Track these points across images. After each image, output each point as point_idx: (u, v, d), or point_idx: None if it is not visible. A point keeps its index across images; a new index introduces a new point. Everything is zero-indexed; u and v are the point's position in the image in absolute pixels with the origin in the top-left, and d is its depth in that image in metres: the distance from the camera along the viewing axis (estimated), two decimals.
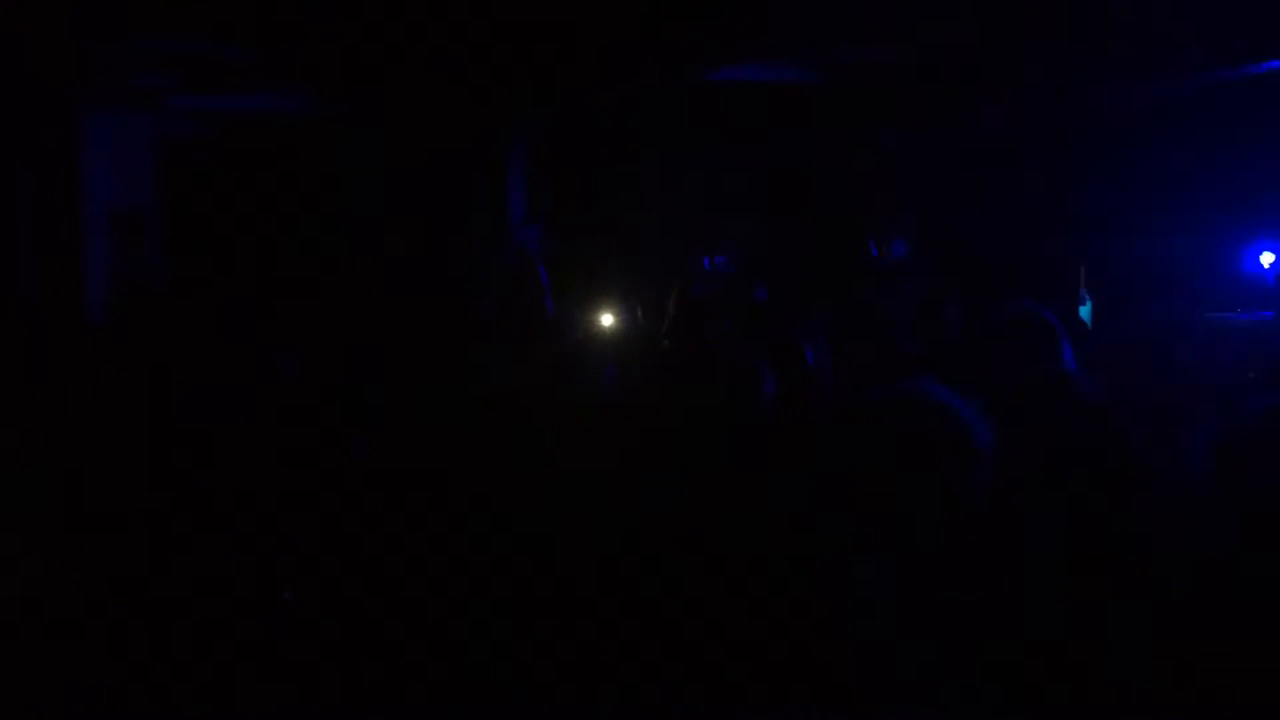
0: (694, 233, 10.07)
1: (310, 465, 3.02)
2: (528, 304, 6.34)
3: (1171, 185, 6.73)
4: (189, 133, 8.93)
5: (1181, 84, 6.68)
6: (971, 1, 5.89)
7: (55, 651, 2.65)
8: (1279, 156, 6.13)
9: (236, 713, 2.53)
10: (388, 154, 9.76)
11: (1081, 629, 1.71)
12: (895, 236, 8.23)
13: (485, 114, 8.93)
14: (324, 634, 2.56)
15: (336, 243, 9.49)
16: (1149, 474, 2.62)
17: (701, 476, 2.47)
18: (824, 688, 1.65)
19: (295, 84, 8.18)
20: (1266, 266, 5.17)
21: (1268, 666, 1.82)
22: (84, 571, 2.88)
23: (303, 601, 2.67)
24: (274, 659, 2.55)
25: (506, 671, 2.36)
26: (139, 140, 8.55)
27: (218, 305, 6.56)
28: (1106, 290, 6.65)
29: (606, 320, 5.90)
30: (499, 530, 2.77)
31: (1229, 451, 2.08)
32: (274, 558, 2.72)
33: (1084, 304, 6.91)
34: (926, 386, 1.74)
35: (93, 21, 6.08)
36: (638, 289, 6.88)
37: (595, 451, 2.87)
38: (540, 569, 2.52)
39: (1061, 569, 2.20)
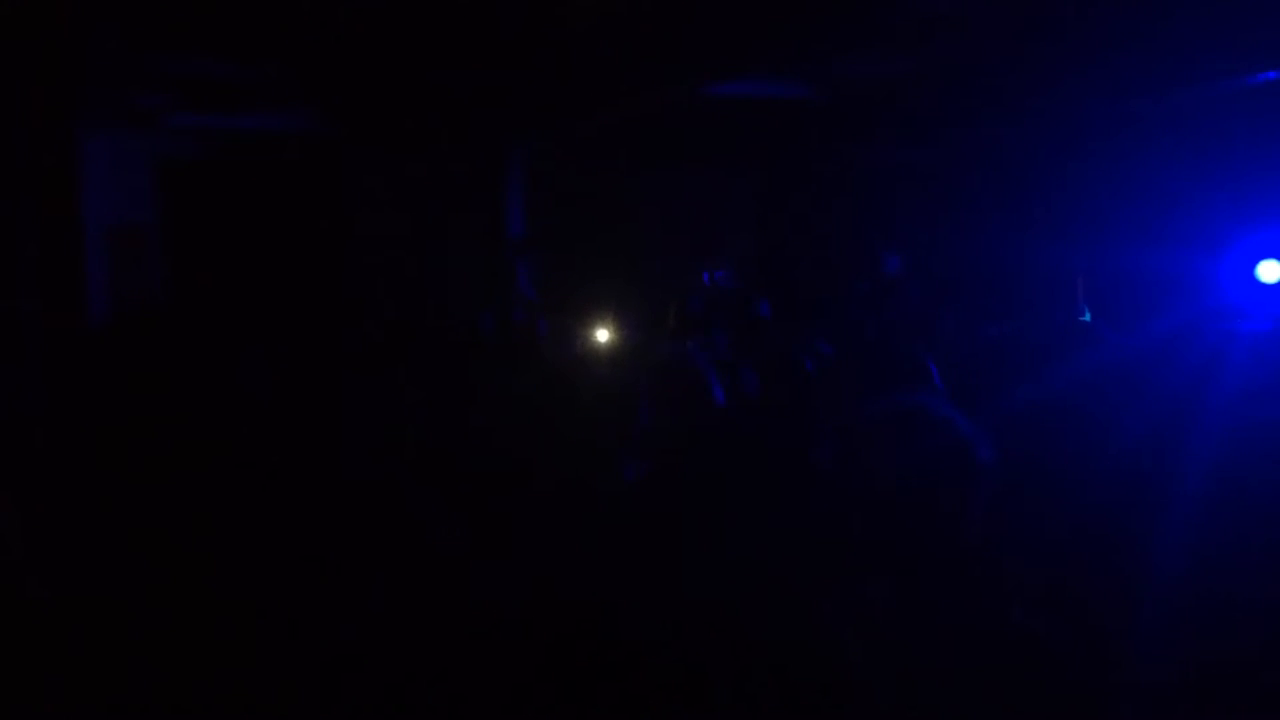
0: (693, 247, 10.08)
1: (306, 480, 3.01)
2: (522, 326, 6.43)
3: (1172, 195, 6.73)
4: (188, 151, 8.95)
5: (1184, 93, 6.68)
6: (969, 16, 5.90)
7: (51, 658, 2.64)
8: None
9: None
10: (387, 172, 9.77)
11: (1082, 644, 1.70)
12: (891, 251, 8.23)
13: (485, 133, 8.95)
14: (321, 644, 2.54)
15: (336, 260, 9.50)
16: (1151, 484, 2.60)
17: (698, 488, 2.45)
18: (829, 706, 1.63)
19: (295, 104, 8.19)
20: (1270, 278, 5.14)
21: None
22: (79, 581, 2.87)
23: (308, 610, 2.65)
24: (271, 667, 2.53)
25: (505, 683, 2.34)
26: (138, 158, 8.57)
27: (216, 322, 6.56)
28: (1106, 303, 6.63)
29: (604, 335, 5.89)
30: (502, 541, 2.75)
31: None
32: (270, 569, 2.71)
33: (1083, 315, 6.88)
34: (927, 400, 1.72)
35: (94, 41, 6.09)
36: (637, 304, 6.88)
37: (591, 463, 2.86)
38: (539, 578, 2.50)
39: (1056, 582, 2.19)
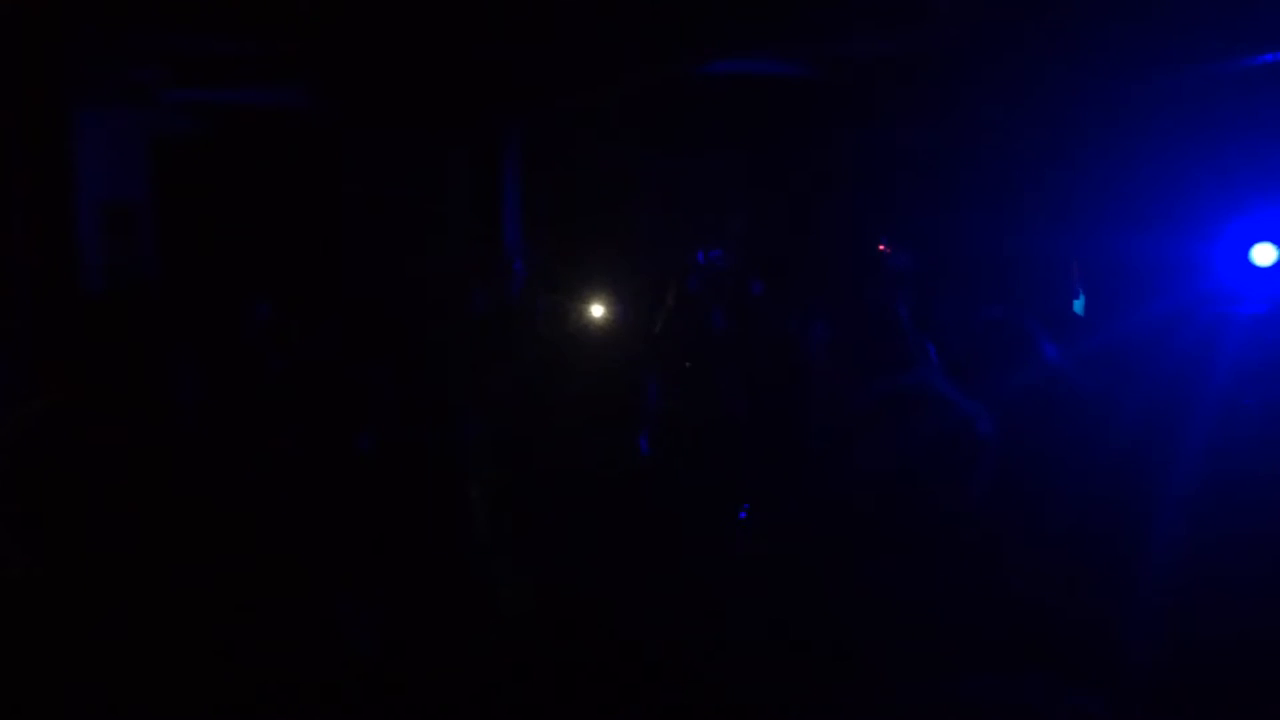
0: (688, 226, 10.08)
1: (314, 459, 2.98)
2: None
3: (1167, 179, 6.73)
4: (183, 128, 8.91)
5: (1179, 76, 6.68)
6: None
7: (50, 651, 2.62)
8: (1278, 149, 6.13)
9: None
10: (384, 150, 9.74)
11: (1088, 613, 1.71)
12: (886, 234, 8.24)
13: (482, 111, 8.91)
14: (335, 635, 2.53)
15: (331, 237, 9.48)
16: (1147, 466, 2.62)
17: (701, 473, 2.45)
18: (836, 688, 1.63)
19: (291, 80, 8.15)
20: (1264, 261, 5.16)
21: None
22: (75, 571, 2.85)
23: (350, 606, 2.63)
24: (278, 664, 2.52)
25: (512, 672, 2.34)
26: (132, 134, 8.53)
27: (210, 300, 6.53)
28: (1101, 286, 6.65)
29: (599, 312, 5.89)
30: (507, 518, 2.74)
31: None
32: (275, 555, 2.69)
33: (1078, 299, 6.89)
34: (926, 378, 1.73)
35: (87, 15, 6.05)
36: (632, 282, 6.88)
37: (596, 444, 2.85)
38: (545, 560, 2.50)
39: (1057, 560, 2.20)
